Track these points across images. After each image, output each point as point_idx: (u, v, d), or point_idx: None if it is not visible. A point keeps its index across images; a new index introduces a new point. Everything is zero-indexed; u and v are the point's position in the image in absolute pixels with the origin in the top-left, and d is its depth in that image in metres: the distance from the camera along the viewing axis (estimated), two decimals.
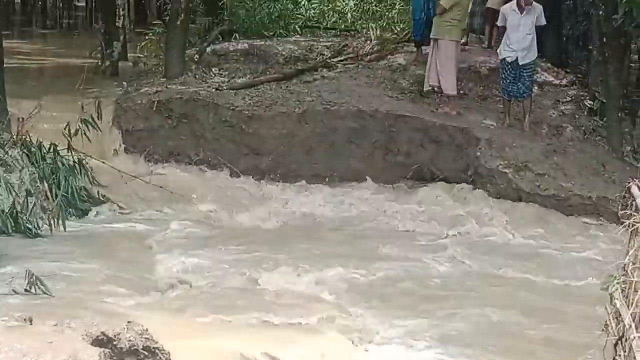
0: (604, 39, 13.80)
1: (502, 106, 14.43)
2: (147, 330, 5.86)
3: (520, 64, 13.78)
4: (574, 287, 9.69)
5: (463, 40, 17.35)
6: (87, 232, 10.74)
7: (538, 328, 8.31)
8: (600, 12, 13.89)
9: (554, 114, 14.68)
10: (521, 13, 13.86)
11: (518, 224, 11.94)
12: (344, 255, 10.37)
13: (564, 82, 15.95)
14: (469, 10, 15.82)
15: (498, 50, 14.42)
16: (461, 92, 15.14)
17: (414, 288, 9.41)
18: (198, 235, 11.08)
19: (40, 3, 32.62)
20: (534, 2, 13.99)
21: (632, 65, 21.51)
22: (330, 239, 11.33)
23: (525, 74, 13.83)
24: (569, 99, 15.20)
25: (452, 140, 13.40)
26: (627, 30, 13.81)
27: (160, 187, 12.43)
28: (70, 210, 11.20)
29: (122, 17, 18.66)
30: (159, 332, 6.00)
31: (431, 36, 14.67)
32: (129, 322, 5.98)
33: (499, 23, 14.72)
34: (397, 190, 13.28)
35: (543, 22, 14.11)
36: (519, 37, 13.80)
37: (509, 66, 13.85)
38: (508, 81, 13.90)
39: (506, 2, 14.80)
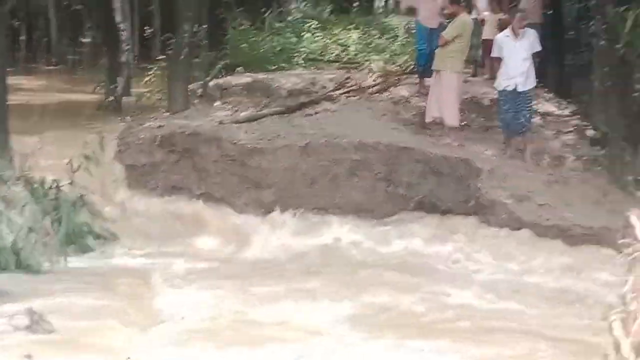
0: (606, 70, 13.79)
1: (503, 137, 14.43)
2: None
3: (519, 91, 13.77)
4: (573, 316, 9.65)
5: (470, 72, 17.46)
6: (89, 267, 10.76)
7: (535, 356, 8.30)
8: (602, 43, 13.88)
9: (555, 144, 14.68)
10: (516, 38, 13.91)
11: (518, 254, 11.88)
12: (347, 285, 10.38)
13: (566, 112, 15.98)
14: (470, 42, 15.86)
15: (495, 85, 14.43)
16: (463, 123, 15.16)
17: (416, 318, 9.39)
18: (201, 270, 11.09)
19: (45, 39, 32.72)
20: (527, 28, 14.04)
21: (635, 95, 21.54)
22: (333, 271, 11.28)
23: (524, 104, 13.83)
24: (571, 129, 15.19)
25: (453, 171, 13.34)
26: (629, 61, 13.84)
27: (163, 222, 12.46)
28: (73, 246, 11.22)
29: (126, 52, 18.62)
30: None
31: (433, 68, 14.71)
32: (128, 358, 5.97)
33: (493, 54, 14.63)
34: (399, 221, 13.27)
35: (538, 47, 14.12)
36: (517, 63, 13.78)
37: (509, 96, 13.79)
38: (509, 115, 13.86)
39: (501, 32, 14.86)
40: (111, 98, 18.05)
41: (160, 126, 14.53)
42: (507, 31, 14.12)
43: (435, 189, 13.39)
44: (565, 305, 10.08)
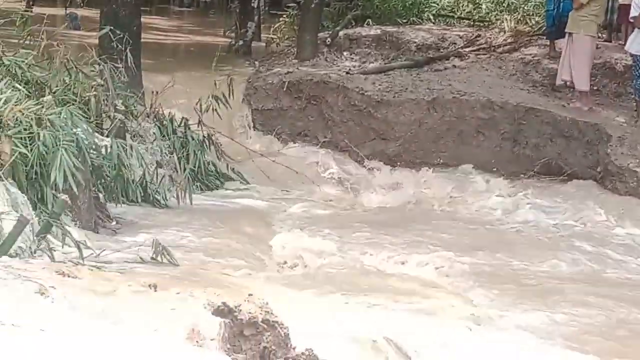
0: None
1: (635, 104, 14.08)
2: (267, 303, 5.91)
3: None
4: None
5: (605, 37, 17.00)
6: (212, 206, 10.92)
7: None
8: None
9: None
10: None
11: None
12: (461, 242, 10.30)
13: None
14: (606, 6, 15.45)
15: (627, 47, 14.03)
16: (594, 88, 14.87)
17: (529, 280, 9.25)
18: (319, 216, 11.16)
19: None
20: None
21: None
22: (449, 226, 11.20)
23: None
24: None
25: (582, 135, 13.15)
26: None
27: (287, 166, 12.56)
28: (198, 183, 11.40)
29: None
30: (276, 307, 6.05)
31: (566, 30, 14.40)
32: (249, 294, 6.03)
33: (632, 14, 13.92)
34: (523, 183, 13.12)
35: None
36: None
37: None
38: None
39: None
40: (241, 42, 18.14)
41: (288, 72, 14.64)
42: None
43: (563, 153, 13.22)
44: None
